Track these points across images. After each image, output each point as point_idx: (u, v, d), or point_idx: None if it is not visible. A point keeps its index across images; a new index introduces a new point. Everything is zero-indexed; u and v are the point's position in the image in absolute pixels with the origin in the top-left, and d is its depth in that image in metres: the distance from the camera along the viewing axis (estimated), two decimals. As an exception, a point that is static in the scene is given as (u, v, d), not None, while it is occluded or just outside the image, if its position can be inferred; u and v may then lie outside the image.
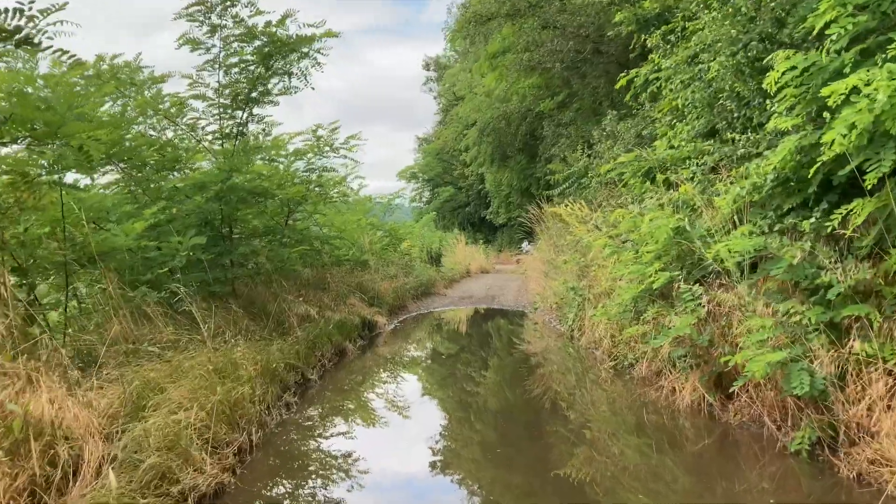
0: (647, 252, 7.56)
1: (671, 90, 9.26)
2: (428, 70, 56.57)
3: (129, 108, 9.17)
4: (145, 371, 5.84)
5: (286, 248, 10.85)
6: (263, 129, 10.12)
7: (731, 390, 6.16)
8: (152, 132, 9.86)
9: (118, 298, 6.75)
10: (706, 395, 6.29)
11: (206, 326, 7.38)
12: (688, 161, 7.84)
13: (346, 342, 10.60)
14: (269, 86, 9.92)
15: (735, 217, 6.37)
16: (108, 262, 7.10)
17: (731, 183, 6.58)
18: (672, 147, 9.58)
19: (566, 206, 12.17)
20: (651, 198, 8.68)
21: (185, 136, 9.93)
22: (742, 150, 6.55)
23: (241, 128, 9.83)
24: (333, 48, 12.93)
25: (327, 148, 12.26)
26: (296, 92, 11.20)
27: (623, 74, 11.48)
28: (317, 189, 12.91)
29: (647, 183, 9.28)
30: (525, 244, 41.37)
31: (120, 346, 6.53)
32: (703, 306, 6.29)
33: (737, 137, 6.87)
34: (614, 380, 8.32)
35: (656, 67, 9.53)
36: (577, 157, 16.12)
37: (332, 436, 6.49)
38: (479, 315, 16.51)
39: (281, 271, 10.62)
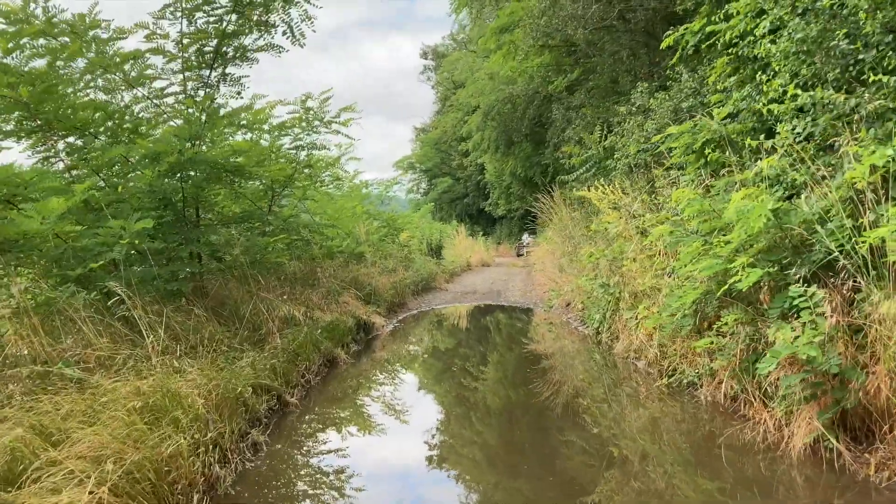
0: (725, 243, 5.73)
1: (748, 42, 7.41)
2: (426, 59, 54.69)
3: (70, 63, 7.30)
4: (44, 408, 4.01)
5: (266, 238, 8.99)
6: (238, 93, 8.23)
7: (866, 434, 4.38)
8: (105, 97, 8.01)
9: (24, 300, 4.91)
10: (828, 438, 4.47)
11: (152, 337, 5.55)
12: (781, 124, 5.99)
13: (337, 349, 8.78)
14: (245, 40, 8.06)
15: (872, 193, 4.53)
16: (18, 251, 5.26)
17: (857, 146, 4.75)
18: (735, 114, 7.78)
19: (595, 188, 10.33)
20: (723, 175, 6.87)
21: (145, 100, 8.06)
22: (875, 104, 4.70)
23: (209, 90, 7.95)
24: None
25: (317, 122, 10.41)
26: (280, 52, 9.37)
27: (670, 32, 9.62)
28: (305, 171, 11.07)
29: (710, 156, 7.45)
30: (525, 236, 39.54)
31: (24, 367, 4.70)
32: (827, 316, 4.46)
33: (880, 81, 4.94)
34: (669, 401, 6.51)
35: (720, 18, 7.72)
36: (595, 138, 14.28)
37: (310, 493, 4.66)
38: (485, 313, 14.69)
39: (259, 265, 8.76)
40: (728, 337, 5.88)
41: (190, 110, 7.47)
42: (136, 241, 6.10)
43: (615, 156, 11.53)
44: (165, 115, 7.97)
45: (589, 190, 11.51)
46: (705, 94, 10.20)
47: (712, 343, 5.90)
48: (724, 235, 5.97)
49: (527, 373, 8.30)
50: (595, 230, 11.22)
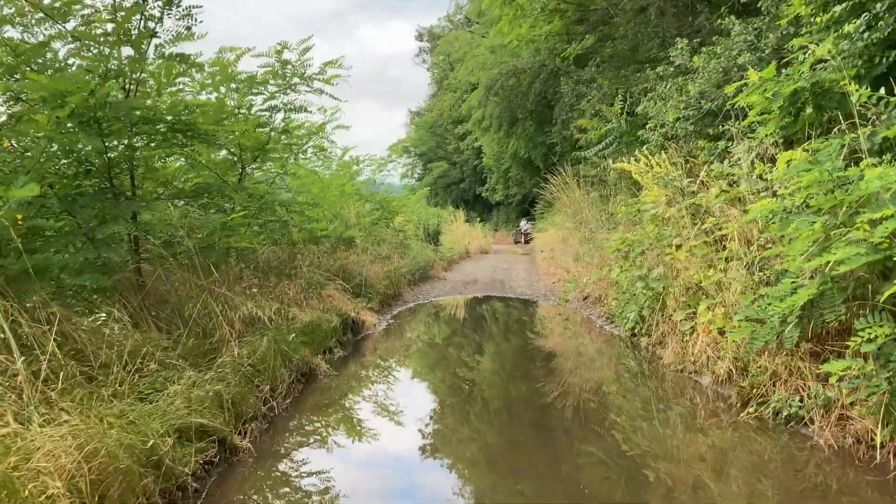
0: (872, 224, 3.84)
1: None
2: (421, 40, 52.52)
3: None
4: None
5: (223, 216, 7.07)
6: (188, 28, 6.24)
7: None
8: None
9: None
10: None
11: (24, 360, 3.65)
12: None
13: (316, 357, 6.87)
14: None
15: None
16: None
17: None
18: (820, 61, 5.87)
19: (636, 160, 8.39)
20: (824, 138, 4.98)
21: (67, 38, 6.06)
22: None
23: (147, 22, 5.96)
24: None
25: (297, 79, 8.47)
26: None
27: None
28: (283, 139, 9.14)
29: (804, 113, 5.55)
30: (523, 222, 37.63)
31: None
32: None
33: None
34: (764, 440, 4.63)
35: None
36: (616, 110, 12.35)
37: None
38: (490, 307, 12.79)
39: (214, 251, 6.84)
40: (870, 359, 4.00)
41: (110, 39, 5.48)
42: (19, 217, 4.16)
43: (649, 124, 9.60)
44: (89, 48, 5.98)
45: (614, 163, 9.61)
46: (764, 48, 8.29)
47: (848, 368, 4.01)
48: (858, 215, 4.09)
49: (558, 395, 6.39)
50: (627, 212, 9.30)
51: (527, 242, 35.03)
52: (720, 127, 8.45)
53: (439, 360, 8.35)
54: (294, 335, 6.81)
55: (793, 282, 4.60)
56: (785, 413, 4.75)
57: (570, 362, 7.77)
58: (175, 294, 5.91)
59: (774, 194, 5.74)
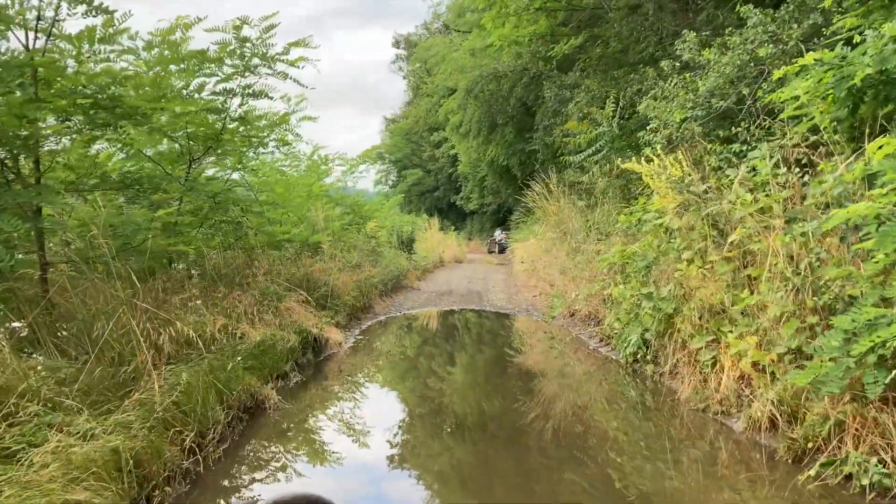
0: None
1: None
2: (398, 47, 51.34)
3: None
4: None
5: (148, 213, 5.82)
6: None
7: None
8: None
9: None
10: None
11: None
12: None
13: (266, 385, 5.64)
14: None
15: None
16: None
17: None
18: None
19: (648, 160, 7.26)
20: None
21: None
22: None
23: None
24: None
25: (257, 60, 7.26)
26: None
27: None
28: (240, 128, 7.91)
29: (864, 106, 4.48)
30: (498, 232, 36.54)
31: None
32: None
33: None
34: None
35: None
36: (607, 113, 11.29)
37: None
38: (467, 321, 11.60)
39: (136, 253, 5.58)
40: None
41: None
42: None
43: (650, 125, 8.51)
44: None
45: (621, 164, 8.52)
46: (787, 39, 7.25)
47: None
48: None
49: (558, 437, 5.21)
50: (627, 221, 8.19)
51: (501, 252, 33.98)
52: (732, 128, 7.40)
53: (411, 388, 7.13)
54: (240, 358, 5.56)
55: (881, 315, 3.48)
56: (864, 481, 3.62)
57: (566, 395, 6.59)
58: (84, 309, 4.62)
59: (828, 204, 4.66)
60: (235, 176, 9.53)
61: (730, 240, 5.65)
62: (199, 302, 6.41)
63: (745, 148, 7.19)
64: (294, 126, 8.84)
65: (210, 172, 9.02)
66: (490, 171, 28.39)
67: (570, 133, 12.90)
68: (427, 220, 27.35)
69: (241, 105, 7.42)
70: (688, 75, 8.02)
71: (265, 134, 8.63)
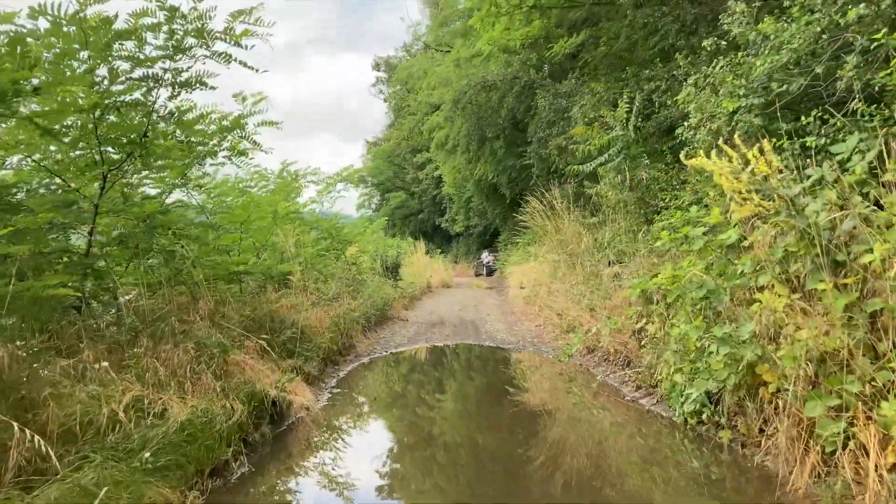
0: None
1: None
2: (378, 70, 49.76)
3: None
4: None
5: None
6: None
7: None
8: None
9: None
10: None
11: None
12: None
13: (188, 491, 3.71)
14: None
15: None
16: None
17: None
18: None
19: (717, 157, 5.44)
20: None
21: None
22: None
23: None
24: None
25: (191, 39, 5.43)
26: None
27: None
28: (177, 132, 6.08)
29: None
30: (485, 254, 34.66)
31: None
32: None
33: None
34: None
35: None
36: (620, 115, 9.55)
37: None
38: (467, 362, 9.70)
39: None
40: None
41: None
42: None
43: (690, 120, 6.73)
44: None
45: (686, 159, 6.76)
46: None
47: None
48: None
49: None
50: (670, 238, 6.37)
51: (489, 275, 32.15)
52: (803, 117, 5.64)
53: (404, 473, 5.21)
54: (150, 455, 3.64)
55: None
56: None
57: (616, 475, 4.70)
58: None
59: None
60: (181, 195, 7.67)
61: (866, 259, 3.82)
62: (105, 364, 4.48)
63: (824, 141, 5.43)
64: (252, 132, 6.97)
65: (155, 192, 7.16)
66: (476, 192, 26.69)
67: (574, 141, 11.15)
68: (413, 243, 25.47)
69: (171, 98, 5.55)
70: (741, 54, 6.25)
71: (214, 141, 6.77)
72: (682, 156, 6.04)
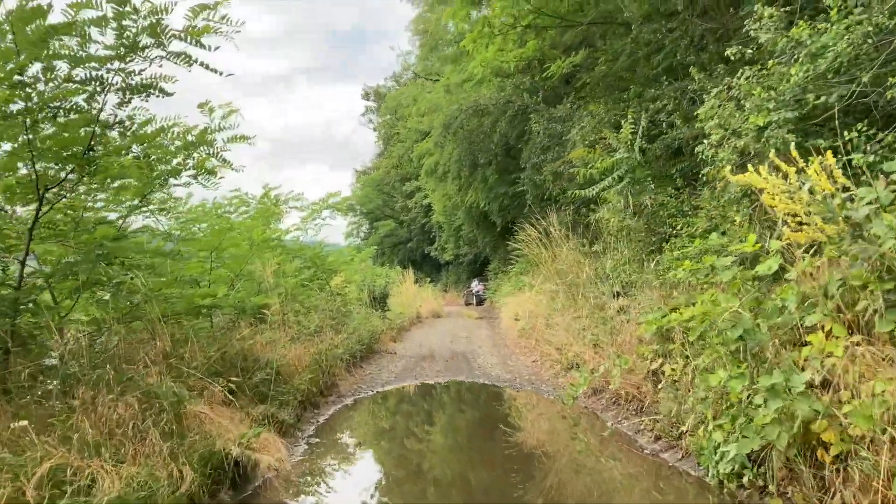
0: None
1: None
2: (367, 99, 49.22)
3: None
4: None
5: None
6: None
7: None
8: None
9: None
10: None
11: None
12: None
13: None
14: None
15: None
16: None
17: None
18: None
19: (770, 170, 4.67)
20: None
21: None
22: None
23: None
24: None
25: (145, 36, 4.64)
26: None
27: None
28: (133, 146, 5.28)
29: None
30: (475, 283, 33.77)
31: None
32: None
33: None
34: None
35: None
36: (625, 136, 8.83)
37: None
38: (460, 403, 8.83)
39: None
40: None
41: None
42: None
43: (713, 136, 5.98)
44: None
45: (729, 174, 6.02)
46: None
47: None
48: None
49: None
50: (692, 267, 5.57)
51: (479, 304, 31.25)
52: (846, 132, 4.90)
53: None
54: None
55: None
56: None
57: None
58: None
59: None
60: (149, 221, 6.85)
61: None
62: (22, 424, 3.60)
63: (872, 158, 4.69)
64: (221, 149, 6.16)
65: (114, 217, 6.31)
66: (467, 220, 25.93)
67: (573, 165, 10.43)
68: (402, 272, 24.60)
69: (121, 104, 4.73)
70: (771, 63, 5.52)
71: (179, 158, 5.96)
72: (702, 175, 5.28)
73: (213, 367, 5.77)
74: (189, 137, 5.88)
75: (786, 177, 4.00)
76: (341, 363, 9.27)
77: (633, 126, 8.87)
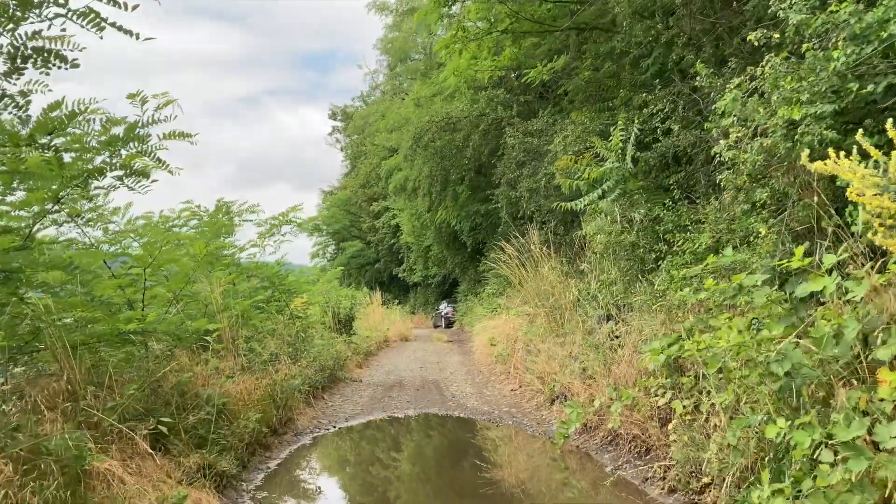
0: None
1: None
2: (334, 119, 48.18)
3: None
4: None
5: None
6: None
7: None
8: None
9: None
10: None
11: None
12: None
13: None
14: None
15: None
16: None
17: None
18: None
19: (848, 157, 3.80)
20: None
21: None
22: None
23: None
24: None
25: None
26: None
27: None
28: (36, 138, 4.18)
29: None
30: (444, 305, 32.74)
31: None
32: None
33: None
34: None
35: None
36: (615, 145, 7.98)
37: None
38: (432, 439, 7.78)
39: None
40: None
41: None
42: None
43: (732, 134, 5.11)
44: None
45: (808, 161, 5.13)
46: None
47: None
48: None
49: None
50: (717, 288, 4.64)
51: (448, 326, 30.18)
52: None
53: None
54: None
55: None
56: None
57: None
58: None
59: None
60: (74, 233, 5.74)
61: None
62: None
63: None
64: (156, 146, 5.11)
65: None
66: (436, 240, 25.01)
67: (553, 178, 9.57)
68: (368, 294, 23.48)
69: (6, 75, 3.67)
70: (805, 46, 4.68)
71: (104, 156, 4.90)
72: (719, 180, 4.41)
73: (136, 408, 4.67)
74: (115, 131, 4.84)
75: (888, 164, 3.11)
76: (299, 395, 8.15)
77: (623, 133, 8.04)
